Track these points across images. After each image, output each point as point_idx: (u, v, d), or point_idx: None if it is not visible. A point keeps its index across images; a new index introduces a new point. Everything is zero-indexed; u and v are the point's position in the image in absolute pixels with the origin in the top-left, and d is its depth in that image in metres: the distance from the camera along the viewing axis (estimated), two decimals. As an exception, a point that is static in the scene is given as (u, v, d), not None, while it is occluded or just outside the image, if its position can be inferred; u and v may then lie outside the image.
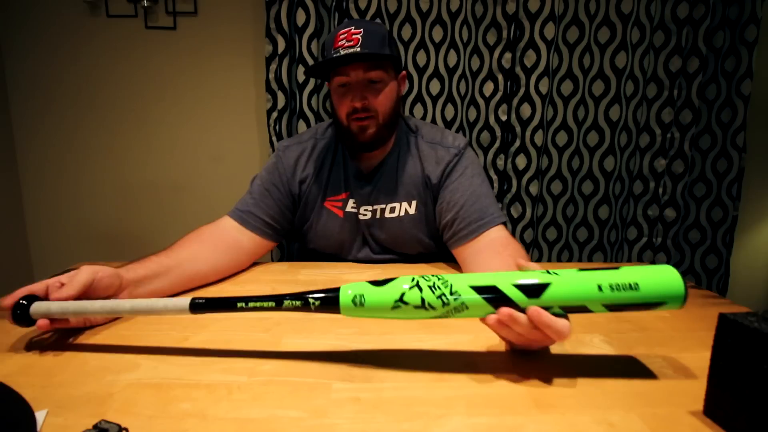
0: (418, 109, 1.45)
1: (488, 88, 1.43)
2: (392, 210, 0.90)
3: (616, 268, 0.43)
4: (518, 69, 1.41)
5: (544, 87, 1.40)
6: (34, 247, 1.63)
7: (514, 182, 1.48)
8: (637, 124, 1.47)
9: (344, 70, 0.81)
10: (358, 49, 0.78)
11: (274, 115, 1.39)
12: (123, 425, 0.37)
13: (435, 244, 0.94)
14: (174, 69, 1.53)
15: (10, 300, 0.51)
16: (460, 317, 0.44)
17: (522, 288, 0.43)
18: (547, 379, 0.45)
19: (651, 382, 0.45)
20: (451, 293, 0.43)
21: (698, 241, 1.54)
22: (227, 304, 0.49)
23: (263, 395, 0.42)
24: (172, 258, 0.69)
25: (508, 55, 1.39)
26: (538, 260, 1.58)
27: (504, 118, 1.43)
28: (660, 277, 0.42)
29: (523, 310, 0.43)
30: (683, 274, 1.52)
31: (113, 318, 0.59)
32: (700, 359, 0.47)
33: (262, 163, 1.58)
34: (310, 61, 1.35)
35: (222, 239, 0.80)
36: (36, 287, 0.53)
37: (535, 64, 1.39)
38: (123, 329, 0.57)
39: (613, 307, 0.42)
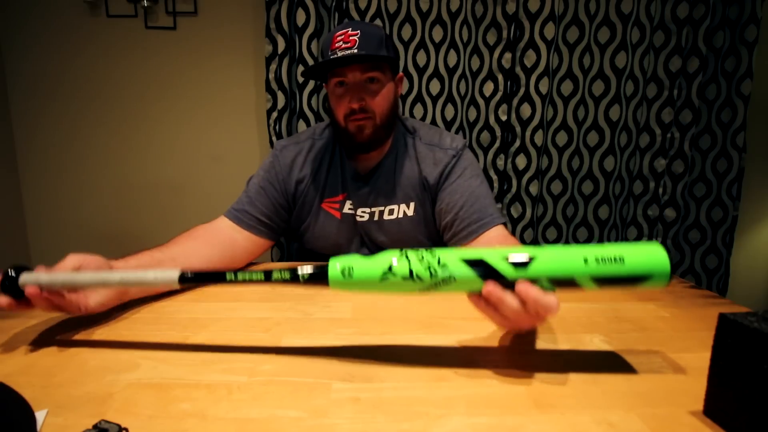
0: (418, 109, 1.45)
1: (488, 88, 1.43)
2: (391, 212, 0.90)
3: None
4: (518, 69, 1.41)
5: (544, 87, 1.40)
6: (34, 247, 1.63)
7: (514, 182, 1.48)
8: (637, 124, 1.47)
9: (341, 72, 0.82)
10: (355, 51, 0.78)
11: (274, 115, 1.39)
12: (123, 425, 0.37)
13: (434, 246, 0.93)
14: (174, 69, 1.53)
15: None
16: (448, 291, 0.44)
17: (509, 261, 0.43)
18: (547, 379, 0.45)
19: (651, 382, 0.45)
20: (439, 264, 0.43)
21: (698, 241, 1.54)
22: (216, 277, 0.49)
23: (263, 395, 0.42)
24: (165, 253, 0.69)
25: (508, 55, 1.39)
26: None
27: (504, 118, 1.43)
28: (646, 251, 0.42)
29: (511, 285, 0.43)
30: (683, 274, 1.54)
31: (110, 305, 0.58)
32: (700, 359, 0.47)
33: (261, 163, 1.58)
34: (310, 61, 1.35)
35: (216, 236, 0.80)
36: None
37: (535, 64, 1.39)
38: (123, 329, 0.57)
39: (601, 281, 0.42)
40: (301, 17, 1.33)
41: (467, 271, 0.43)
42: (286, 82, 1.39)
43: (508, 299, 0.42)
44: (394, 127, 0.91)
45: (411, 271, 0.44)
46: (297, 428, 0.38)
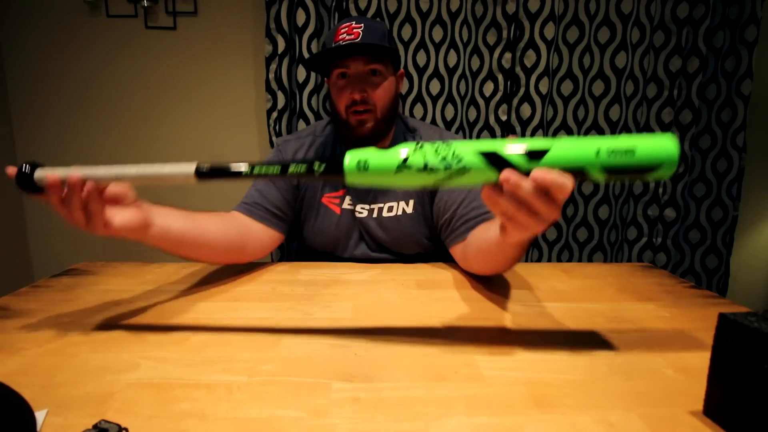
0: (418, 109, 1.46)
1: (488, 88, 1.43)
2: (390, 209, 0.90)
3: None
4: (518, 69, 1.41)
5: (544, 87, 1.40)
6: (34, 247, 1.63)
7: (514, 182, 1.48)
8: (637, 125, 1.47)
9: (344, 63, 0.82)
10: (359, 42, 0.79)
11: (274, 115, 1.39)
12: (123, 425, 0.37)
13: (433, 245, 0.94)
14: (174, 69, 1.53)
15: (13, 168, 0.51)
16: (462, 183, 0.44)
17: (523, 151, 0.43)
18: (547, 379, 0.45)
19: (651, 382, 0.45)
20: (454, 155, 0.43)
21: (698, 241, 1.54)
22: (232, 173, 0.49)
23: (263, 395, 0.42)
24: (191, 213, 0.73)
25: (508, 55, 1.39)
26: (538, 260, 1.58)
27: (504, 118, 1.43)
28: (656, 143, 0.42)
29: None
30: (683, 274, 1.54)
31: (133, 229, 0.58)
32: (700, 359, 0.47)
33: (262, 163, 1.58)
34: (310, 61, 1.35)
35: (233, 220, 0.82)
36: None
37: (535, 64, 1.39)
38: (123, 329, 0.57)
39: (611, 171, 0.42)
40: (301, 17, 1.33)
41: (481, 162, 0.43)
42: (286, 82, 1.39)
43: (525, 183, 0.41)
44: (395, 122, 0.92)
45: (426, 164, 0.44)
46: (297, 428, 0.38)
